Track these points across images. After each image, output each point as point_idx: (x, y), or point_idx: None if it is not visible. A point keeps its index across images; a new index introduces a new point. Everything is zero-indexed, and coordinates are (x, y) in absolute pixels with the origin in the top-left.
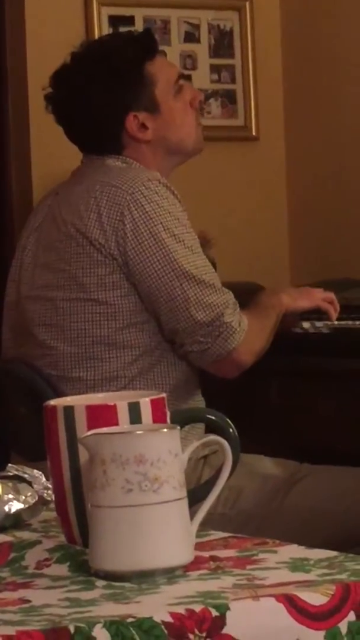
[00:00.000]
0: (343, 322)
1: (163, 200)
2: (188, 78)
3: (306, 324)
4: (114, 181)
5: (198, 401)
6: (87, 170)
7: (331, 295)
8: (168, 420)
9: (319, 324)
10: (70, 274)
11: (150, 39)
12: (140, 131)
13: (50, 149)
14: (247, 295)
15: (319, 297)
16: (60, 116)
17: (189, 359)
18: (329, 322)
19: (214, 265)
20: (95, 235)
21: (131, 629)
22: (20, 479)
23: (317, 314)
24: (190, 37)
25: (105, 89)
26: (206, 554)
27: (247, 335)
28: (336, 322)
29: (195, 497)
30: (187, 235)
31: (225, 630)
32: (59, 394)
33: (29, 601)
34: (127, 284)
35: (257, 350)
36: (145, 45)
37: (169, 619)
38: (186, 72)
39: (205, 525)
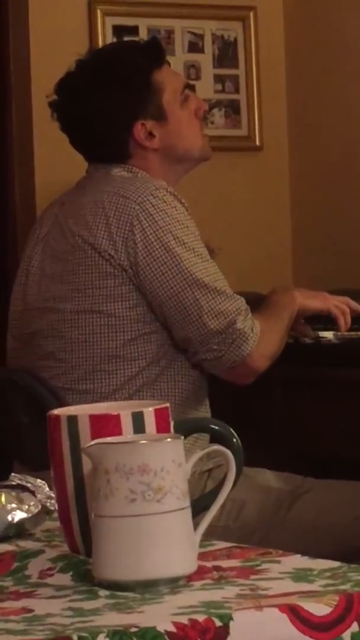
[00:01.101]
0: (347, 333)
1: (172, 209)
2: (192, 88)
3: (314, 334)
4: (121, 191)
5: (204, 411)
6: (92, 180)
7: (347, 301)
8: (172, 430)
9: (324, 334)
10: (78, 286)
11: (157, 48)
12: (148, 139)
13: (53, 158)
14: (250, 305)
15: (332, 302)
16: (66, 124)
17: (204, 367)
18: (334, 333)
19: None
20: (105, 247)
21: (134, 638)
22: (24, 489)
23: (325, 322)
24: (194, 47)
25: (113, 96)
26: (209, 564)
27: (260, 340)
28: (340, 333)
29: (198, 507)
30: (196, 243)
31: None
32: (63, 404)
33: (32, 610)
34: (135, 295)
35: (271, 353)
36: (153, 53)
37: (172, 629)
38: (190, 82)
39: (207, 537)
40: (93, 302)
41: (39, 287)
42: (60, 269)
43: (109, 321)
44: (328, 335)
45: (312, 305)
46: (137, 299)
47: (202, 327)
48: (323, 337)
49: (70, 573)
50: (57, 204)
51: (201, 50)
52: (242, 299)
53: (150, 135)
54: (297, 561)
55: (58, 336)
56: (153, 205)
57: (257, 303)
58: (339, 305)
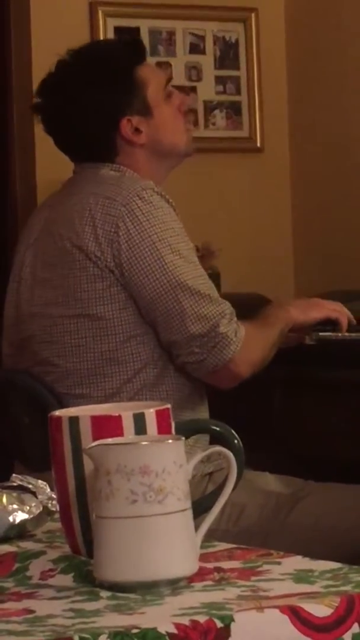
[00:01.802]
0: (347, 334)
1: (157, 210)
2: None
3: (315, 335)
4: (107, 192)
5: (204, 412)
6: (79, 180)
7: (339, 305)
8: (173, 431)
9: (325, 335)
10: (68, 290)
11: (138, 44)
12: (135, 135)
13: (54, 156)
14: (251, 306)
15: (328, 308)
16: (51, 125)
17: (186, 370)
18: (334, 334)
19: (218, 276)
20: (92, 249)
21: (135, 639)
22: (25, 490)
23: (327, 325)
24: (196, 48)
25: (97, 94)
26: (210, 565)
27: (244, 346)
28: (342, 334)
29: (199, 508)
30: (182, 245)
31: None
32: (64, 405)
33: (33, 611)
34: (124, 296)
35: (255, 361)
36: (133, 50)
37: (174, 630)
38: (191, 84)
39: (208, 539)
40: (83, 306)
41: (31, 293)
42: (50, 274)
43: (100, 324)
44: (328, 336)
45: (310, 317)
46: (126, 300)
47: (184, 330)
48: (323, 338)
49: (72, 574)
50: (46, 207)
51: (202, 51)
52: (227, 303)
53: (137, 130)
54: (298, 562)
55: (52, 341)
56: (139, 207)
57: (258, 304)
58: (336, 308)
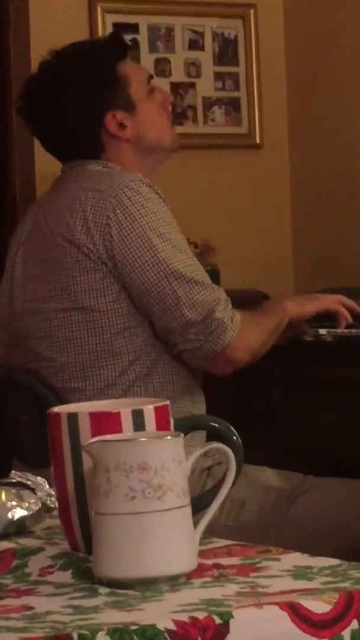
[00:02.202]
0: (347, 330)
1: (147, 200)
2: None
3: (313, 331)
4: (97, 186)
5: (199, 402)
6: (68, 178)
7: (340, 298)
8: (172, 427)
9: (323, 331)
10: (61, 284)
11: (119, 41)
12: (120, 130)
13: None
14: (250, 302)
15: (327, 300)
16: (37, 126)
17: (183, 358)
18: (333, 330)
19: (217, 272)
20: (84, 241)
21: (134, 636)
22: (24, 486)
23: (326, 321)
24: (195, 44)
25: (81, 91)
26: (209, 562)
27: (241, 332)
28: (340, 330)
29: (198, 504)
30: (173, 234)
31: (228, 638)
32: (62, 401)
33: (32, 608)
34: (117, 288)
35: (252, 347)
36: (115, 47)
37: (173, 627)
38: (190, 80)
39: (207, 535)
40: (76, 299)
41: (23, 290)
42: (42, 269)
43: (93, 316)
44: (327, 332)
45: (307, 311)
46: (119, 292)
47: (180, 317)
48: (322, 335)
49: (71, 571)
50: (36, 206)
51: (201, 47)
52: (221, 289)
53: (122, 125)
54: (297, 559)
55: (45, 336)
56: (129, 198)
57: (257, 301)
58: (335, 300)
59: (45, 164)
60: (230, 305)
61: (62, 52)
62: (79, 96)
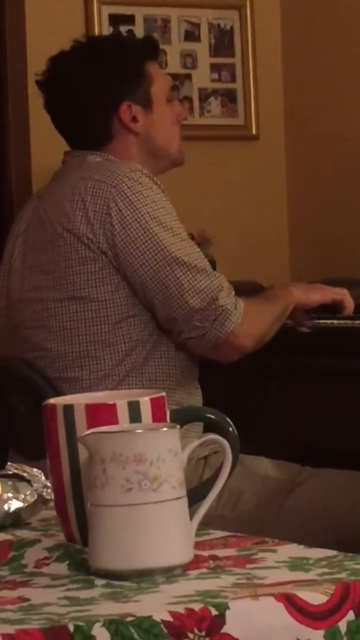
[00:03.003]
0: (342, 322)
1: (147, 190)
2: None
3: (311, 323)
4: (96, 176)
5: (195, 394)
6: (68, 169)
7: (344, 290)
8: (168, 419)
9: (321, 322)
10: (60, 274)
11: (153, 42)
12: (132, 122)
13: (50, 145)
14: (247, 294)
15: (332, 290)
16: (53, 101)
17: (188, 346)
18: (328, 322)
19: (213, 264)
20: (83, 231)
21: (130, 628)
22: (20, 478)
23: (328, 311)
24: (191, 36)
25: (104, 74)
26: (205, 553)
27: (245, 318)
28: (336, 322)
29: (195, 496)
30: (174, 223)
31: (224, 630)
32: (58, 393)
33: (28, 600)
34: (116, 278)
35: (257, 333)
36: (148, 45)
37: (169, 618)
38: (186, 71)
39: (204, 527)
40: (75, 289)
41: (21, 280)
42: (41, 259)
43: (91, 306)
44: (324, 323)
45: (311, 299)
46: (118, 282)
47: (184, 305)
48: (320, 326)
49: (67, 562)
50: (35, 198)
51: (197, 39)
52: (223, 276)
53: (134, 119)
54: (293, 550)
55: (42, 326)
56: (129, 187)
57: (254, 292)
58: (339, 291)
59: (42, 160)
60: (233, 292)
61: (95, 37)
62: (101, 78)
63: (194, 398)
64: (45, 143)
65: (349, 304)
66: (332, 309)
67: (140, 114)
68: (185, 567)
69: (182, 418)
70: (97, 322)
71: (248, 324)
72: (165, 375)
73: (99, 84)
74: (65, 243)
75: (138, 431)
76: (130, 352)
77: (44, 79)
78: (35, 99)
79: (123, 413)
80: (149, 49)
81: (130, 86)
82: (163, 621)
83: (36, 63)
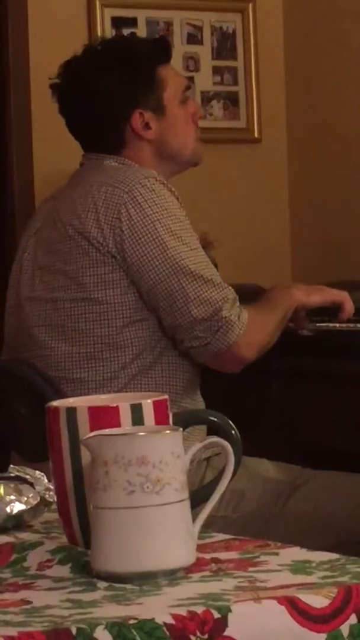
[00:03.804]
0: (344, 325)
1: (160, 197)
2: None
3: (312, 326)
4: (110, 180)
5: (198, 401)
6: (84, 172)
7: (344, 293)
8: (170, 422)
9: (322, 325)
10: (70, 275)
11: (165, 45)
12: (144, 130)
13: (52, 150)
14: (248, 297)
15: (333, 292)
16: (65, 106)
17: (191, 355)
18: (331, 325)
19: (215, 267)
20: (94, 234)
21: (133, 630)
22: (22, 480)
23: (327, 315)
24: (193, 38)
25: (115, 81)
26: (208, 556)
27: (248, 329)
28: (338, 325)
29: (197, 498)
30: (184, 231)
31: (227, 633)
32: (60, 395)
33: (30, 602)
34: (126, 281)
35: (259, 344)
36: (160, 49)
37: (171, 621)
38: (189, 74)
39: (207, 528)
40: (84, 290)
41: (31, 279)
42: (52, 260)
43: (101, 308)
44: (325, 326)
45: (312, 300)
46: (127, 285)
47: (187, 314)
48: (321, 329)
49: (69, 565)
50: (51, 199)
51: (200, 42)
52: (231, 288)
53: (147, 126)
54: (296, 553)
55: (51, 325)
56: (141, 194)
57: (255, 295)
58: (340, 294)
59: (44, 168)
60: (237, 303)
61: (108, 40)
62: (112, 87)
63: (198, 405)
64: (47, 152)
65: (349, 307)
66: (332, 311)
67: (153, 121)
68: (188, 570)
69: (184, 421)
70: (104, 325)
71: (251, 335)
72: (171, 381)
73: (110, 93)
74: (76, 245)
75: (141, 434)
76: (137, 356)
77: (56, 83)
78: (38, 106)
79: (126, 416)
80: (161, 52)
81: (141, 94)
82: (165, 624)
83: (39, 66)
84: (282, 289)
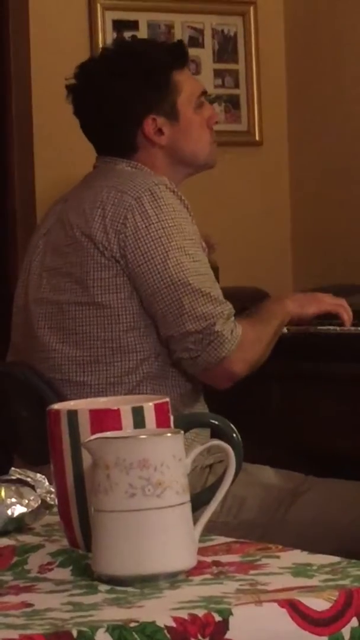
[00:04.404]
0: (353, 328)
1: (167, 206)
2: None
3: (321, 328)
4: (120, 185)
5: (202, 408)
6: (96, 175)
7: (341, 300)
8: (172, 424)
9: (332, 328)
10: (76, 278)
11: (182, 49)
12: (156, 135)
13: (53, 157)
14: (249, 300)
15: (328, 302)
16: (80, 107)
17: (182, 365)
18: (339, 328)
19: (216, 270)
20: (99, 238)
21: (134, 633)
22: (24, 483)
23: (329, 319)
24: (194, 41)
25: (130, 86)
26: (209, 559)
27: (240, 345)
28: (353, 328)
29: (198, 501)
30: (188, 242)
31: (228, 636)
32: (62, 398)
33: (31, 605)
34: (130, 286)
35: (250, 360)
36: (177, 54)
37: (172, 624)
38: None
39: (207, 533)
40: (90, 294)
41: (39, 280)
42: (59, 262)
43: (105, 312)
44: (333, 328)
45: (307, 312)
46: (132, 290)
47: (180, 326)
48: (330, 330)
49: (70, 568)
50: (62, 201)
51: (201, 45)
52: (229, 304)
53: (160, 131)
54: (297, 556)
55: (56, 327)
56: (149, 201)
57: (256, 298)
58: (336, 302)
59: (45, 175)
60: (232, 319)
61: (124, 43)
62: (125, 92)
63: (201, 411)
64: (49, 158)
65: (346, 317)
66: (333, 316)
67: (166, 126)
68: (189, 573)
69: (185, 424)
70: (108, 329)
71: (243, 350)
72: (177, 388)
73: (124, 98)
74: (82, 248)
75: (142, 437)
76: (143, 362)
77: (72, 84)
78: (39, 110)
79: (127, 418)
80: (177, 57)
81: (155, 99)
82: (166, 627)
83: (40, 69)
84: (276, 300)
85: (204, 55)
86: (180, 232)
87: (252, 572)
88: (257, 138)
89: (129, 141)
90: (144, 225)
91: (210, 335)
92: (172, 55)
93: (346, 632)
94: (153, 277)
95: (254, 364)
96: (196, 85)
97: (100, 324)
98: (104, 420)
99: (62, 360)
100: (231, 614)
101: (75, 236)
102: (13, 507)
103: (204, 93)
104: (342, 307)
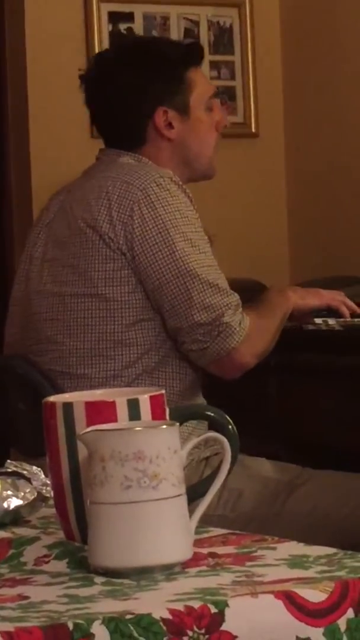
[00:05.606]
0: (349, 320)
1: (173, 198)
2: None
3: (318, 321)
4: (126, 177)
5: (200, 402)
6: (99, 166)
7: (341, 294)
8: (167, 417)
9: (331, 321)
10: (79, 269)
11: (198, 49)
12: (166, 128)
13: (50, 153)
14: (246, 292)
15: (328, 296)
16: (92, 97)
17: (190, 357)
18: (341, 320)
19: None
20: (105, 229)
21: (130, 625)
22: (19, 476)
23: (328, 312)
24: (190, 33)
25: (144, 77)
26: (205, 551)
27: (248, 336)
28: (356, 320)
29: (194, 493)
30: (194, 234)
31: (224, 627)
32: (58, 390)
33: (27, 597)
34: (134, 279)
35: (259, 351)
36: (192, 52)
37: (168, 616)
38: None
39: (203, 525)
40: (93, 286)
41: (40, 272)
42: (62, 253)
43: (108, 305)
44: (331, 322)
45: (308, 304)
46: (135, 283)
47: (189, 317)
48: (330, 323)
49: (66, 560)
50: (64, 191)
51: (197, 36)
52: (236, 294)
53: (170, 125)
54: (293, 548)
55: (57, 319)
56: (155, 193)
57: (253, 290)
58: (336, 297)
59: (41, 171)
60: (240, 310)
61: (140, 38)
62: (139, 81)
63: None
64: (45, 154)
65: (345, 312)
66: (333, 311)
67: (176, 120)
68: (185, 565)
69: (181, 416)
70: (111, 322)
71: (251, 341)
72: (177, 381)
73: (137, 87)
74: (87, 239)
75: (137, 429)
76: (142, 356)
77: (85, 74)
78: (35, 102)
79: (122, 411)
80: (193, 55)
81: (168, 92)
82: (162, 619)
83: (35, 61)
84: (279, 291)
85: None
86: (187, 224)
87: (248, 563)
88: (253, 130)
89: (139, 132)
90: (150, 217)
91: (219, 326)
92: (188, 52)
93: (342, 623)
94: (161, 269)
95: (262, 355)
96: (209, 86)
97: (102, 316)
98: (100, 412)
99: (62, 353)
100: (227, 605)
101: (80, 227)
102: (9, 499)
103: (216, 95)
104: (342, 303)
